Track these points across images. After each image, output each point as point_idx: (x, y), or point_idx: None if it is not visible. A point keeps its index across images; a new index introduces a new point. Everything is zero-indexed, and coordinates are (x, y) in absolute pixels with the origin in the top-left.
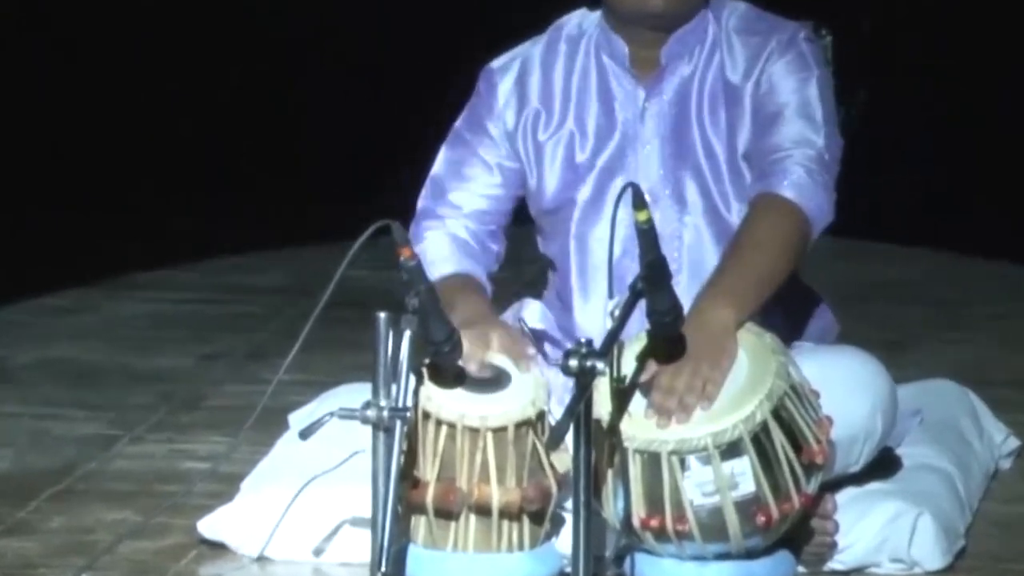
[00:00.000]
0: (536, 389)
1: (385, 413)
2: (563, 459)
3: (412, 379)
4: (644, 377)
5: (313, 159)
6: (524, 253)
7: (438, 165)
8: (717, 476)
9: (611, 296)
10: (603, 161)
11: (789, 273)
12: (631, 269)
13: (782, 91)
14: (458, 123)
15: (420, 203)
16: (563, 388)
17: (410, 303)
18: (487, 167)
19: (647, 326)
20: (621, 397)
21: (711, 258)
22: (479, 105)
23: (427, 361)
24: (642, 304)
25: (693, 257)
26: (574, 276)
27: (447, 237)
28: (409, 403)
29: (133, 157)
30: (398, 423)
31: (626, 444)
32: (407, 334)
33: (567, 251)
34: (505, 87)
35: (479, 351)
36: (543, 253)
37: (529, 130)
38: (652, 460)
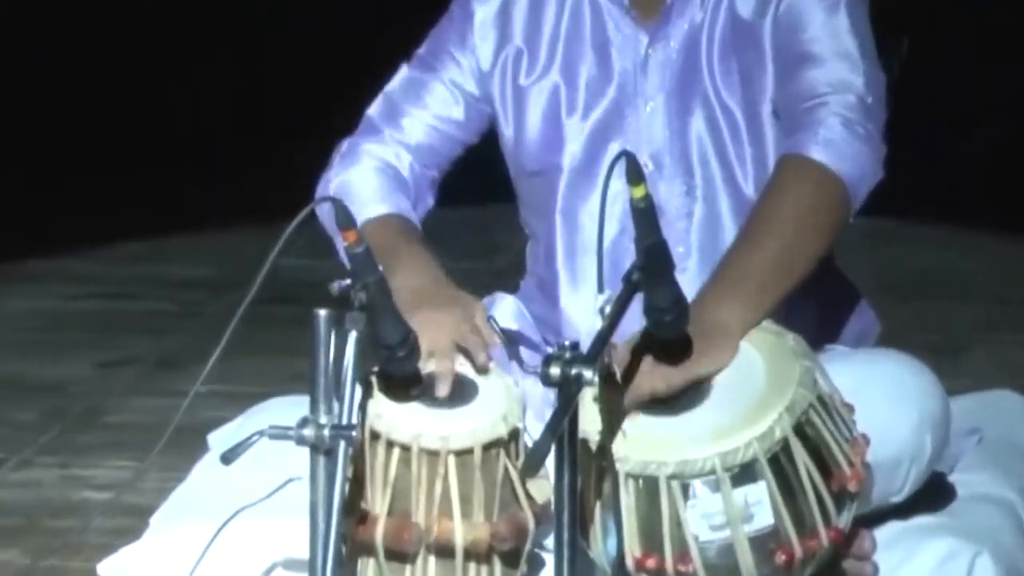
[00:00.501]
0: (509, 402)
1: (326, 432)
2: (542, 488)
3: (358, 391)
4: (617, 367)
5: (248, 130)
6: (497, 238)
7: (395, 82)
8: (727, 506)
9: (601, 289)
10: (595, 120)
11: (820, 256)
12: (630, 252)
13: (807, 24)
14: (422, 49)
15: (368, 113)
16: (542, 401)
17: (357, 298)
18: (451, 94)
19: (645, 325)
20: (613, 412)
21: (728, 241)
22: (449, 31)
23: (377, 369)
24: (640, 299)
25: (705, 240)
26: (561, 260)
27: (384, 169)
28: (355, 420)
29: (26, 127)
30: (342, 444)
31: (618, 467)
32: (353, 335)
33: (552, 229)
34: (483, 16)
35: (440, 335)
36: (524, 225)
37: (509, 72)
38: (648, 486)
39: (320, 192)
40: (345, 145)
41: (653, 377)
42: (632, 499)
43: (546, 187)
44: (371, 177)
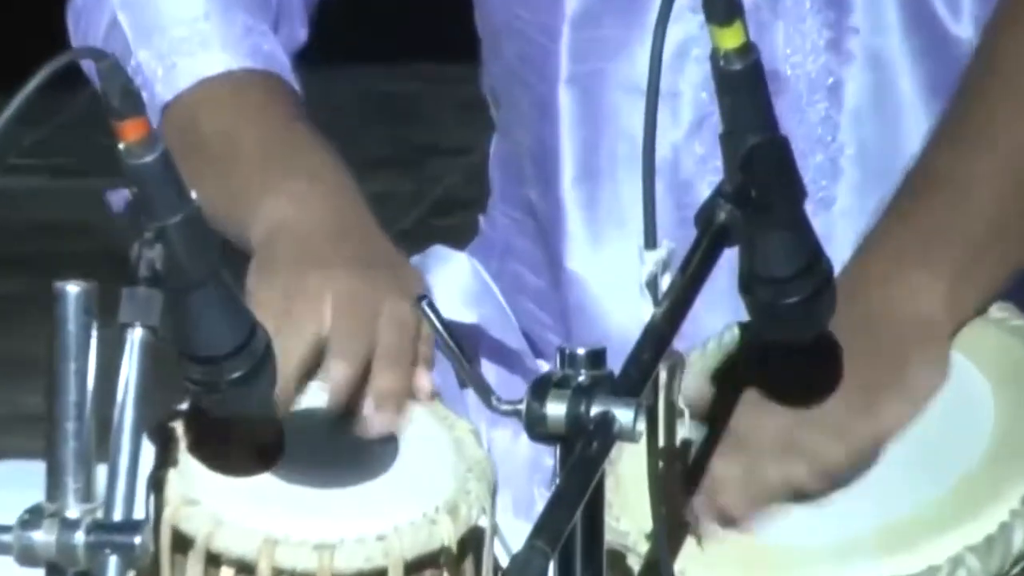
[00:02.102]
0: (461, 474)
1: (79, 535)
2: None
3: (149, 450)
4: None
5: None
6: (437, 136)
7: None
8: None
9: (653, 243)
10: None
11: None
12: (711, 167)
13: None
14: None
15: None
16: (528, 471)
17: (143, 258)
18: None
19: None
20: (675, 494)
21: (912, 143)
22: None
23: (186, 407)
24: (732, 262)
25: (869, 142)
26: (567, 180)
27: None
28: (144, 512)
29: None
30: (112, 561)
31: None
32: (136, 336)
33: (553, 117)
34: None
35: (305, 322)
36: (492, 103)
37: None
38: None
39: (74, 32)
40: None
41: (780, 456)
42: None
43: (537, 35)
44: None
